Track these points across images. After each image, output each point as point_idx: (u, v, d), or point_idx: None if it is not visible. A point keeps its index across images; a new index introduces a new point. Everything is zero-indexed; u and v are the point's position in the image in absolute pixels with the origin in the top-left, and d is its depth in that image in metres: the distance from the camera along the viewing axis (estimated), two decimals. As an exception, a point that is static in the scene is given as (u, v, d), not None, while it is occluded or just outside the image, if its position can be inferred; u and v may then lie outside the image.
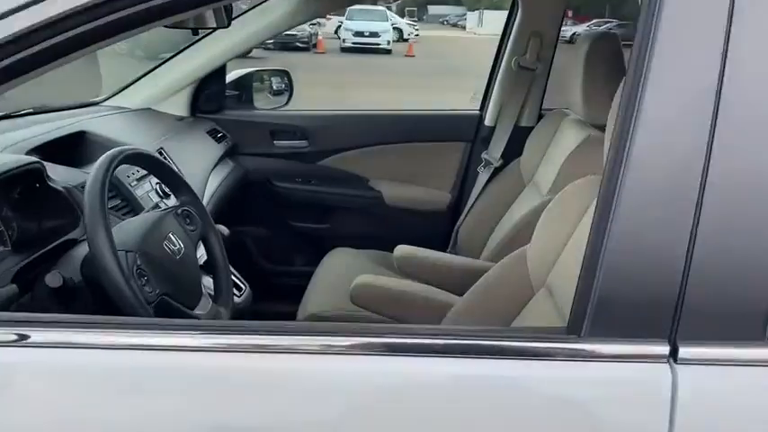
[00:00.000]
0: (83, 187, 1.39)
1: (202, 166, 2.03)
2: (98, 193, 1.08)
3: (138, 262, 1.11)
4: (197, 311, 1.23)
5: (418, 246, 1.99)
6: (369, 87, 9.74)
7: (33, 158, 1.32)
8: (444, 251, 2.33)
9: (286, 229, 2.46)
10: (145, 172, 1.61)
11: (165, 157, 1.80)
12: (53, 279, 1.04)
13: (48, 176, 1.32)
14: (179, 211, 1.33)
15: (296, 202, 2.41)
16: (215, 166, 2.14)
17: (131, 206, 1.52)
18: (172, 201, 1.47)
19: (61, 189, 1.34)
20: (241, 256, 2.45)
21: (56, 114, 1.84)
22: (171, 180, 1.36)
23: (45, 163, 1.34)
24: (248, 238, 2.49)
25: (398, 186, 2.39)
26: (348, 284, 1.65)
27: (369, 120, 2.41)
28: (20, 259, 1.20)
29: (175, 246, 1.23)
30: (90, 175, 1.12)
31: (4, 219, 1.28)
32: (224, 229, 1.61)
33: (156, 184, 1.65)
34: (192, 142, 2.10)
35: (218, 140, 2.26)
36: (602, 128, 1.73)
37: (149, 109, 2.22)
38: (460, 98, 5.21)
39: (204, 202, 1.92)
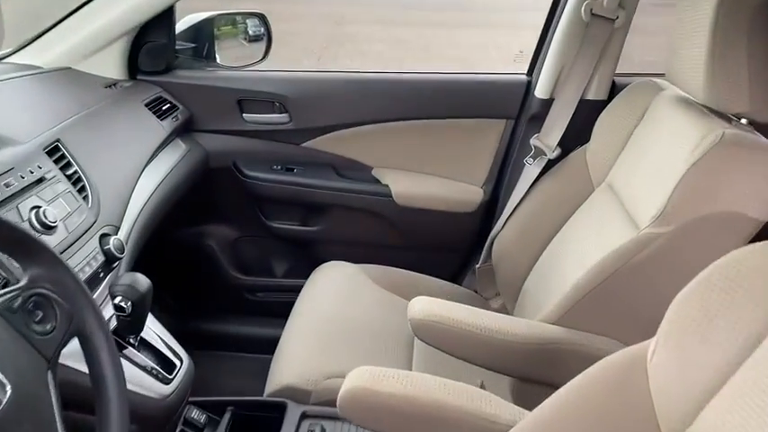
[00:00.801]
0: None
1: (133, 158, 1.40)
2: None
3: None
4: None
5: (437, 261, 1.38)
6: (371, 25, 8.80)
7: None
8: (473, 266, 1.73)
9: (261, 228, 1.85)
10: None
11: (62, 156, 1.17)
12: None
13: None
14: (17, 302, 0.71)
15: (273, 197, 1.79)
16: (155, 151, 1.51)
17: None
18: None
19: None
20: (205, 266, 1.86)
21: None
22: (8, 240, 0.73)
23: None
24: (212, 242, 1.88)
25: (412, 178, 1.76)
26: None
27: (371, 85, 1.74)
28: None
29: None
30: None
31: None
32: (141, 282, 1.01)
33: None
34: (121, 122, 1.46)
35: (163, 115, 1.62)
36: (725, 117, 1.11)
37: (69, 69, 1.58)
38: (498, 54, 4.38)
39: (136, 213, 1.31)
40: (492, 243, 1.63)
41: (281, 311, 1.53)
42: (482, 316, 1.16)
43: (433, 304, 1.15)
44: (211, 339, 1.87)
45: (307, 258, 1.83)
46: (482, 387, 1.01)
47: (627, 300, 1.13)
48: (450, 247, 1.81)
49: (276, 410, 1.19)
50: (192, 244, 1.87)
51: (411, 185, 1.75)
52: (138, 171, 1.39)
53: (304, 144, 1.76)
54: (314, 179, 1.77)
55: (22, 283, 0.73)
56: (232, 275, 1.89)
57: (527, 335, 1.14)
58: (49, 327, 0.73)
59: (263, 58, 1.83)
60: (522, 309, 1.46)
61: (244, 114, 1.75)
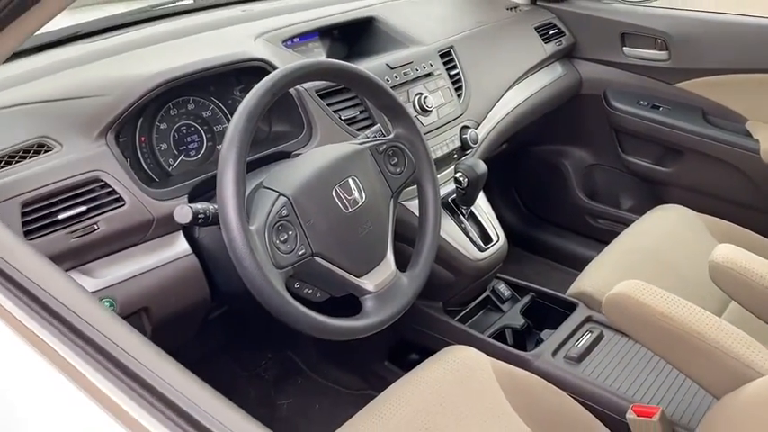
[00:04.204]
0: (317, 91, 1.21)
1: (507, 73, 1.65)
2: (245, 116, 0.86)
3: (285, 212, 0.88)
4: (366, 280, 0.96)
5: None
6: None
7: (260, 56, 1.17)
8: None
9: (616, 160, 1.94)
10: None
11: (450, 60, 1.48)
12: (182, 214, 0.88)
13: None
14: (383, 147, 1.03)
15: (634, 131, 1.85)
16: (531, 70, 1.73)
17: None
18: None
19: (292, 92, 1.17)
20: (557, 183, 2.06)
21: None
22: (384, 104, 1.05)
23: (274, 62, 1.17)
24: (568, 163, 2.05)
25: None
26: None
27: (766, 32, 1.61)
28: None
29: (350, 195, 0.95)
30: (253, 89, 0.90)
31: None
32: (480, 166, 1.27)
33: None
34: (507, 42, 1.71)
35: (549, 39, 1.82)
36: None
37: (484, -8, 1.88)
38: None
39: (498, 117, 1.57)
40: None
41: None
42: None
43: (739, 253, 1.13)
44: (538, 245, 2.09)
45: (653, 197, 1.86)
46: None
47: None
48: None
49: (568, 307, 1.35)
50: (549, 160, 2.07)
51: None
52: (509, 84, 1.63)
53: (677, 84, 1.76)
54: (679, 121, 1.76)
55: (390, 136, 1.05)
56: (579, 197, 2.04)
57: None
58: (398, 170, 1.05)
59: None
60: None
61: (624, 48, 1.82)
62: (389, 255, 1.00)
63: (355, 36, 1.51)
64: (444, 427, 1.00)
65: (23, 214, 0.87)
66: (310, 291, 0.94)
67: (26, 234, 0.87)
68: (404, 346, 1.47)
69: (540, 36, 1.80)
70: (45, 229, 0.89)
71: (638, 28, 1.78)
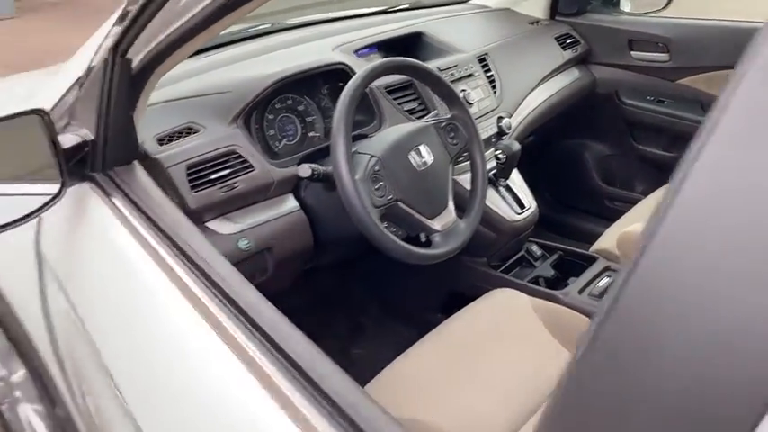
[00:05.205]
0: (386, 88, 1.54)
1: (532, 75, 1.97)
2: (348, 100, 1.19)
3: (377, 167, 1.21)
4: (434, 222, 1.28)
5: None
6: None
7: (341, 60, 1.51)
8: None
9: (629, 149, 2.24)
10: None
11: (486, 64, 1.82)
12: (303, 170, 1.22)
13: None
14: (443, 124, 1.36)
15: (643, 123, 2.16)
16: (551, 73, 2.05)
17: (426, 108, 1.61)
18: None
19: (366, 91, 1.51)
20: (578, 172, 2.36)
21: (403, 14, 2.00)
22: (443, 92, 1.39)
23: (351, 65, 1.51)
24: (587, 154, 2.36)
25: None
26: None
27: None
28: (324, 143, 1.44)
29: (421, 158, 1.28)
30: (350, 81, 1.23)
31: (323, 109, 1.52)
32: (515, 145, 1.59)
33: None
34: (531, 50, 2.04)
35: (567, 47, 2.14)
36: None
37: (507, 9, 2.22)
38: None
39: (526, 111, 1.89)
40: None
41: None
42: None
43: None
44: (562, 227, 2.38)
45: (662, 180, 2.16)
46: None
47: None
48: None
49: (589, 261, 1.65)
50: (571, 153, 2.38)
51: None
52: (534, 84, 1.96)
53: (678, 81, 2.07)
54: (681, 112, 2.07)
55: (447, 116, 1.38)
56: (598, 184, 2.34)
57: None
58: (455, 142, 1.37)
59: (666, 6, 2.17)
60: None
61: (632, 52, 2.14)
62: (450, 204, 1.32)
63: (406, 48, 1.85)
64: (494, 348, 1.28)
65: (188, 174, 1.21)
66: (394, 230, 1.26)
67: (192, 188, 1.20)
68: (454, 298, 1.78)
69: (559, 44, 2.13)
70: (203, 185, 1.22)
71: (643, 35, 2.10)
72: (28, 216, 0.98)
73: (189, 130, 1.29)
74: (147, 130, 1.21)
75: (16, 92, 1.62)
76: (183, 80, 1.41)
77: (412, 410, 1.15)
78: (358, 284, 2.03)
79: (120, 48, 0.99)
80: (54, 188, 0.99)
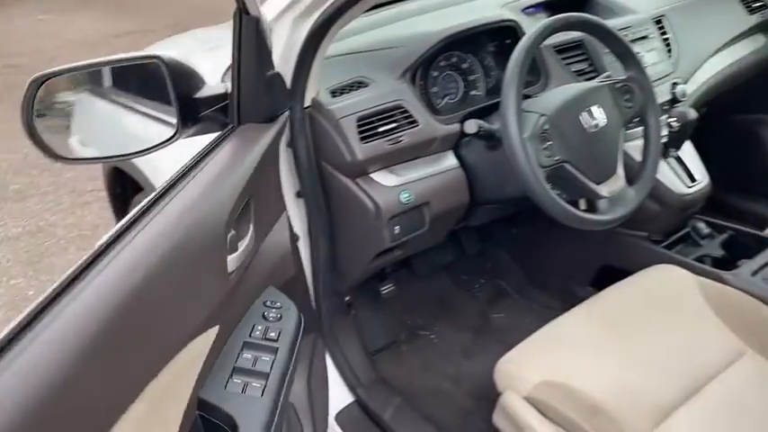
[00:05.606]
0: (555, 47, 1.49)
1: (712, 40, 1.82)
2: (523, 55, 1.17)
3: (546, 126, 1.18)
4: (602, 187, 1.23)
5: None
6: None
7: (512, 17, 1.47)
8: None
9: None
10: None
11: (662, 26, 1.70)
12: (470, 126, 1.22)
13: (522, 34, 1.45)
14: (618, 85, 1.29)
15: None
16: (735, 38, 1.88)
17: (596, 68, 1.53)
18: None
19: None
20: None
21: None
22: (620, 52, 1.31)
23: (521, 23, 1.48)
24: (765, 130, 2.15)
25: None
26: None
27: None
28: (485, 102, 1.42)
29: (593, 120, 1.23)
30: (525, 36, 1.20)
31: (485, 68, 1.51)
32: (691, 113, 1.49)
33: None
34: (713, 12, 1.88)
35: (754, 10, 1.95)
36: None
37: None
38: None
39: (703, 79, 1.76)
40: None
41: None
42: None
43: None
44: (726, 207, 2.18)
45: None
46: None
47: None
48: None
49: (764, 245, 1.51)
50: (748, 129, 2.17)
51: None
52: (714, 50, 1.81)
53: None
54: None
55: (623, 77, 1.31)
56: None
57: None
58: (629, 104, 1.30)
59: None
60: None
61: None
62: (620, 170, 1.26)
63: (576, 8, 1.77)
64: (653, 324, 1.22)
65: (358, 126, 1.25)
66: (558, 192, 1.23)
67: (361, 140, 1.24)
68: (607, 272, 1.71)
69: (745, 7, 1.93)
70: (372, 137, 1.26)
71: None
72: (144, 151, 1.00)
73: (359, 84, 1.32)
74: (322, 82, 1.26)
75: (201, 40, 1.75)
76: (354, 35, 1.45)
77: (563, 375, 1.13)
78: (504, 251, 2.01)
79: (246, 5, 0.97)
80: (171, 131, 1.00)
